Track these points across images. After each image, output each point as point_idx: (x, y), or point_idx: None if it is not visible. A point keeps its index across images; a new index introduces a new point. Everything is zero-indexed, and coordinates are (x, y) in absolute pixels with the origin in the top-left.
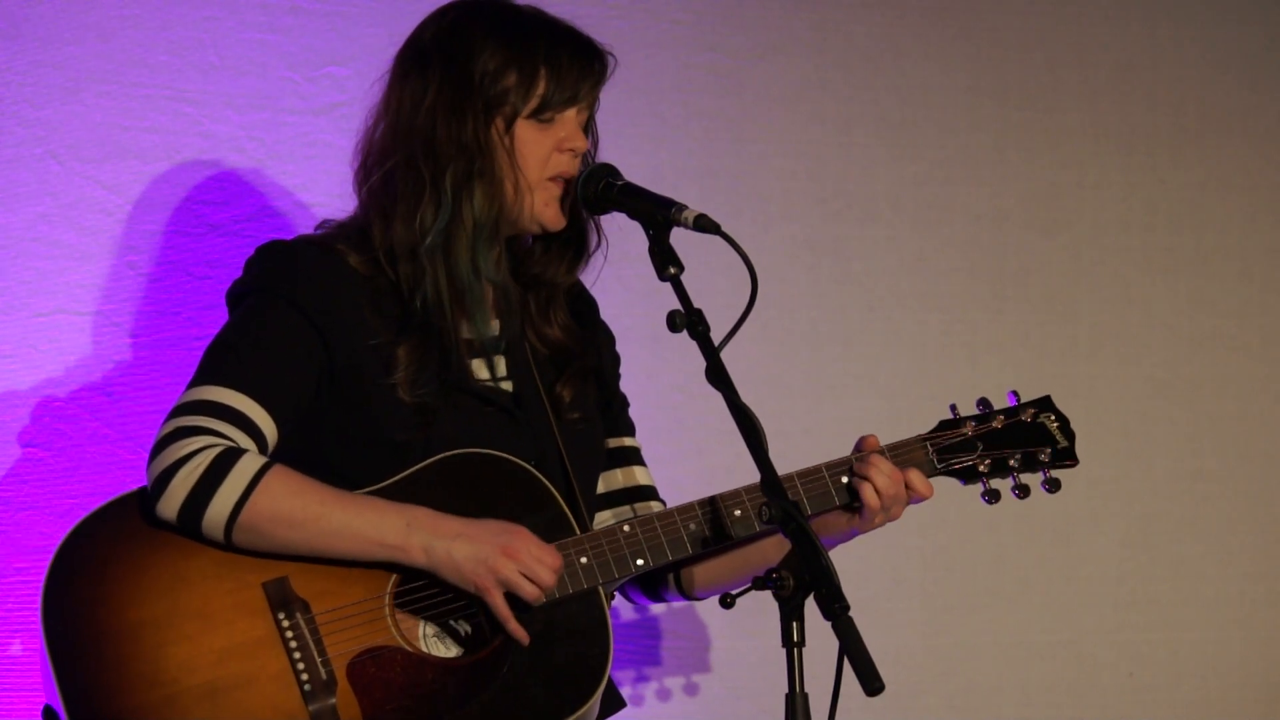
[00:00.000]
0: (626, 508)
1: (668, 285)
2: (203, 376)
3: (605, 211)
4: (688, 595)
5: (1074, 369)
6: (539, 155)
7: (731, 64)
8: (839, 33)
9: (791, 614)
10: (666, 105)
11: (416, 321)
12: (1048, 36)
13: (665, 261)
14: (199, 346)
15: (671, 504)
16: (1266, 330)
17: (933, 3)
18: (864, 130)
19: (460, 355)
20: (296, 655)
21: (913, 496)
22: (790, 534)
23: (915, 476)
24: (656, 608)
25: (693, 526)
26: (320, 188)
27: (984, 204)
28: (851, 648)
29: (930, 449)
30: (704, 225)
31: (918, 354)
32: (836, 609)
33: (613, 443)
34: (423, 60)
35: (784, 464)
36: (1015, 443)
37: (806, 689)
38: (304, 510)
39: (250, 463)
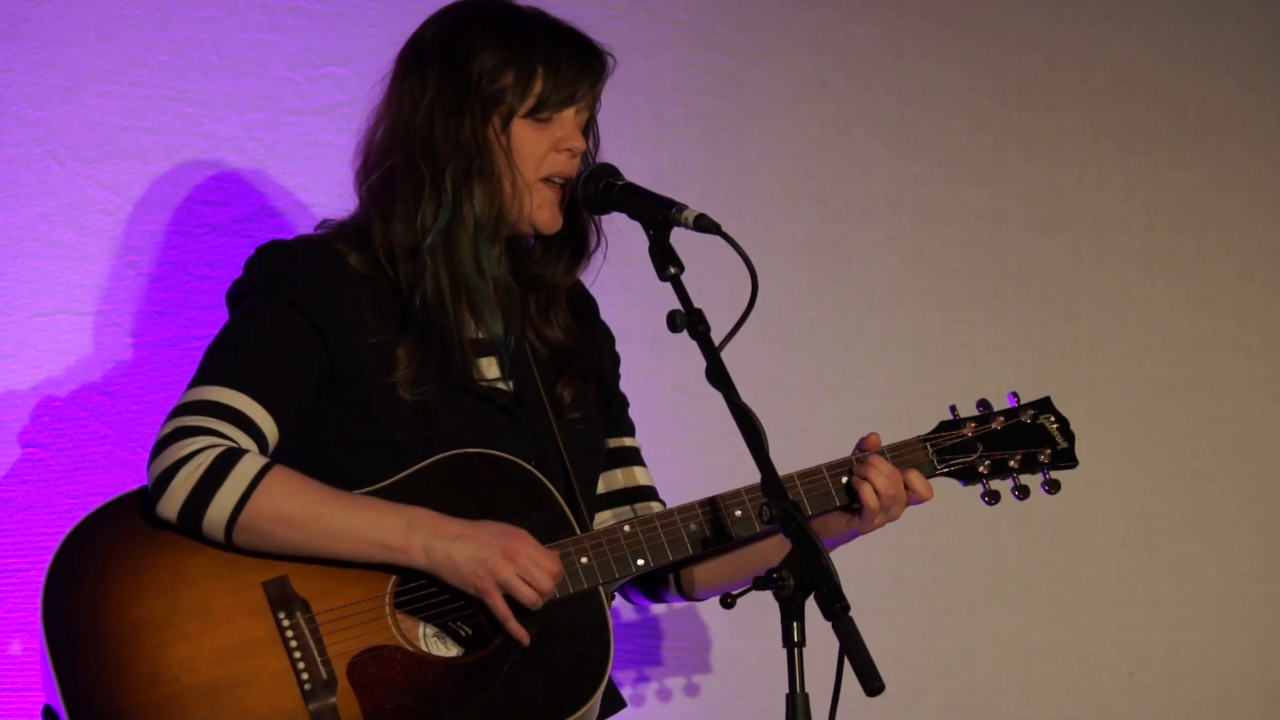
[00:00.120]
0: (626, 508)
1: (668, 285)
2: (203, 376)
3: (605, 211)
4: (687, 596)
5: (1074, 369)
6: (536, 154)
7: (731, 64)
8: (839, 33)
9: (792, 614)
10: (666, 105)
11: (416, 320)
12: (1048, 36)
13: (665, 261)
14: (199, 346)
15: (671, 504)
16: (1266, 330)
17: (933, 3)
18: (864, 130)
19: (464, 354)
20: (297, 655)
21: (912, 498)
22: (791, 534)
23: (915, 478)
24: (657, 608)
25: (693, 527)
26: (320, 188)
27: (984, 204)
28: (852, 648)
29: (930, 450)
30: (704, 225)
31: (918, 354)
32: (837, 609)
33: (613, 443)
34: (423, 60)
35: (784, 464)
36: (1015, 444)
37: (807, 689)
38: (304, 510)
39: (251, 463)
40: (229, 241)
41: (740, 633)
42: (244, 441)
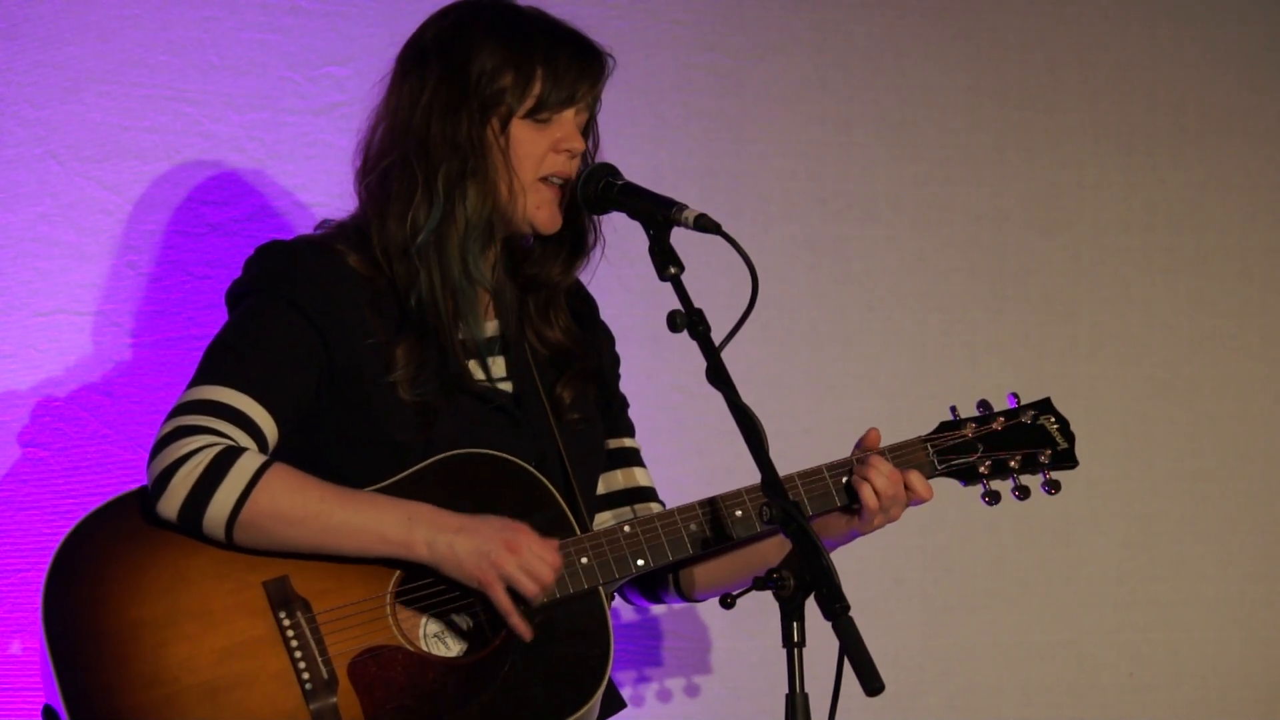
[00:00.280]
0: (626, 509)
1: (668, 285)
2: (203, 376)
3: (605, 211)
4: (687, 597)
5: (1074, 369)
6: (534, 155)
7: (731, 64)
8: (839, 33)
9: (792, 614)
10: (666, 105)
11: (413, 320)
12: (1048, 36)
13: (665, 261)
14: (199, 346)
15: (671, 504)
16: (1266, 330)
17: (933, 3)
18: (864, 130)
19: (456, 356)
20: (297, 654)
21: (912, 498)
22: (791, 534)
23: (915, 478)
24: (657, 608)
25: (693, 527)
26: (320, 188)
27: (984, 204)
28: (852, 648)
29: (931, 450)
30: (704, 225)
31: (918, 354)
32: (837, 609)
33: (613, 443)
34: (422, 60)
35: (784, 464)
36: (1015, 444)
37: (807, 689)
38: (305, 507)
39: (250, 461)
40: (229, 241)
41: (740, 633)
42: (244, 441)
